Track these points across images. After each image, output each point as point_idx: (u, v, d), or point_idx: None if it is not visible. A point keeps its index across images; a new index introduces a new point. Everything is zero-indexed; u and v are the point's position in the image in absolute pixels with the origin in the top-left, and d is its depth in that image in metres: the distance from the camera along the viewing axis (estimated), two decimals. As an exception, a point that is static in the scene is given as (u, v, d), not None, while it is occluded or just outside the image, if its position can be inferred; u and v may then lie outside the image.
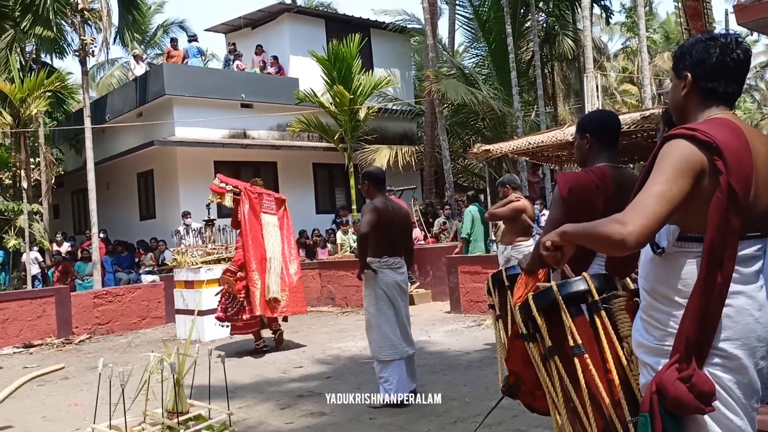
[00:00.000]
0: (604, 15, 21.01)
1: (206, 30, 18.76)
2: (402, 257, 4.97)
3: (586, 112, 12.64)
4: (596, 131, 2.72)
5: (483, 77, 17.84)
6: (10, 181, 15.42)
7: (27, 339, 8.98)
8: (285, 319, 7.65)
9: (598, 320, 1.96)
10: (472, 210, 9.66)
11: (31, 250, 13.27)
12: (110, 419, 4.06)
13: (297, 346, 7.54)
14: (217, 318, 7.39)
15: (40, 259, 13.83)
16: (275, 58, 16.57)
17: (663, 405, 1.58)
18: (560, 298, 2.00)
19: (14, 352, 8.57)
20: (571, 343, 1.95)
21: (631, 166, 9.54)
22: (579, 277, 2.05)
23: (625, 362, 1.91)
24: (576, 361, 1.93)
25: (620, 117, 7.41)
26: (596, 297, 1.98)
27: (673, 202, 1.59)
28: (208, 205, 9.88)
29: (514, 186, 6.32)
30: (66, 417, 5.02)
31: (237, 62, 16.33)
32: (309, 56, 14.94)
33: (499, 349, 3.38)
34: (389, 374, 4.73)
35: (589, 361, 1.92)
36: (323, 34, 16.67)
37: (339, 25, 17.12)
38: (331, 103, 14.62)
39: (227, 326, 7.51)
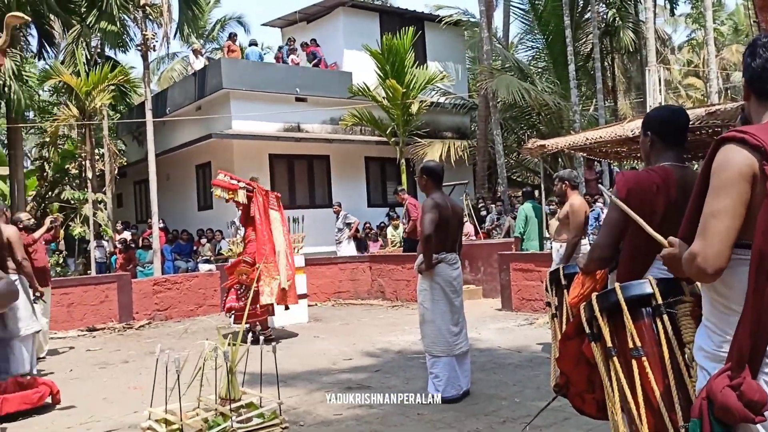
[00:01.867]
0: (668, 6, 20.28)
1: (263, 25, 19.07)
2: (457, 253, 4.93)
3: (648, 107, 12.24)
4: (659, 129, 2.60)
5: (539, 71, 17.50)
6: (77, 172, 16.11)
7: (90, 323, 9.36)
8: (287, 307, 7.84)
9: (660, 324, 1.93)
10: (526, 208, 9.47)
11: (96, 238, 13.85)
12: (166, 404, 4.19)
13: (347, 338, 7.60)
14: (228, 309, 7.67)
15: (106, 246, 14.39)
16: (304, 44, 16.63)
17: (712, 411, 1.55)
18: (623, 299, 1.98)
19: (78, 335, 8.96)
20: (630, 345, 1.95)
21: (695, 164, 9.18)
22: (644, 280, 2.03)
23: (683, 368, 1.87)
24: (634, 363, 1.94)
25: (684, 113, 7.12)
26: (659, 301, 1.94)
27: (736, 215, 1.59)
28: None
29: (573, 184, 6.09)
30: (125, 399, 5.21)
31: (291, 56, 16.52)
32: (363, 50, 14.98)
33: (553, 348, 3.33)
34: (440, 370, 4.71)
35: (646, 364, 1.92)
36: (377, 28, 16.67)
37: (393, 19, 17.09)
38: (383, 97, 14.63)
39: (231, 316, 7.86)
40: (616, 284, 2.09)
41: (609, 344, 2.03)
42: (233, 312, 7.67)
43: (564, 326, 3.04)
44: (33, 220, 8.14)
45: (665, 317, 1.94)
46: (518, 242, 9.60)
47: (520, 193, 14.78)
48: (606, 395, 2.13)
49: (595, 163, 13.81)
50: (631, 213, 2.12)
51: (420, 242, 4.80)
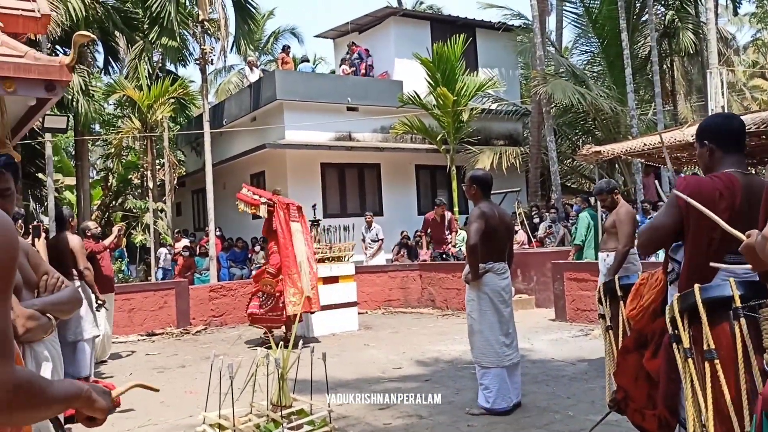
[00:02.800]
0: (731, 5, 19.51)
1: (315, 36, 19.38)
2: (506, 263, 4.87)
3: (710, 111, 11.79)
4: (716, 137, 2.50)
5: (594, 75, 17.13)
6: (139, 181, 16.74)
7: (150, 328, 9.69)
8: (311, 312, 8.22)
9: (737, 328, 1.89)
10: (586, 215, 9.25)
11: (157, 245, 14.39)
12: (219, 409, 4.29)
13: (397, 347, 7.59)
14: (251, 315, 8.20)
15: (168, 254, 14.88)
16: (352, 43, 16.77)
17: (764, 407, 1.51)
18: (700, 301, 1.99)
19: (138, 340, 9.27)
20: (705, 347, 1.96)
21: (762, 169, 8.78)
22: (725, 282, 1.99)
23: (758, 373, 1.82)
24: (707, 365, 1.94)
25: (748, 116, 6.86)
26: (738, 303, 1.91)
27: None
28: (314, 206, 10.23)
29: (619, 191, 5.97)
30: (181, 403, 5.36)
31: (342, 66, 16.72)
32: (414, 59, 15.03)
33: (608, 362, 3.25)
34: (490, 381, 4.65)
35: (719, 367, 1.91)
36: (428, 36, 16.69)
37: (444, 26, 17.07)
38: (434, 105, 14.62)
39: (257, 326, 8.33)
40: (696, 285, 2.06)
41: (686, 345, 2.05)
42: (254, 317, 8.17)
43: (621, 339, 2.96)
44: (99, 228, 8.51)
45: (743, 320, 1.91)
46: (578, 250, 9.38)
47: (574, 201, 14.47)
48: (684, 398, 2.12)
49: (654, 168, 13.37)
50: (703, 209, 2.05)
51: (466, 252, 4.77)
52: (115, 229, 8.12)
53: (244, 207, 8.24)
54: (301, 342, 5.10)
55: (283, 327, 8.07)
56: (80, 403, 1.28)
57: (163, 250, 14.64)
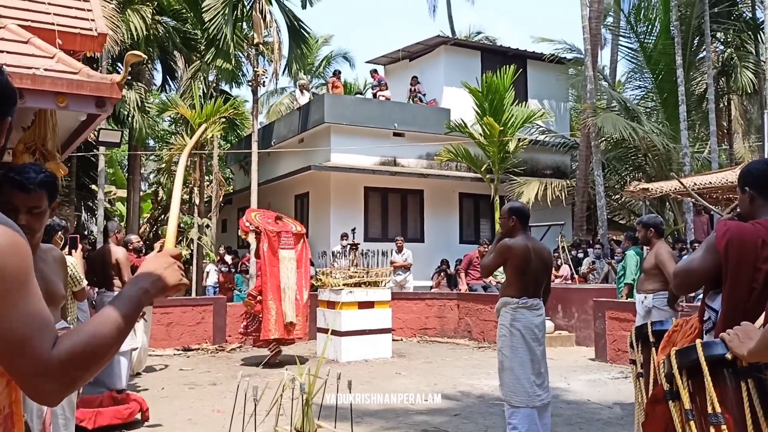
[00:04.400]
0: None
1: (367, 62, 19.65)
2: (541, 299, 4.74)
3: (766, 152, 11.35)
4: (758, 183, 2.38)
5: (647, 111, 16.78)
6: (187, 197, 17.14)
7: (186, 343, 9.81)
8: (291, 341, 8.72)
9: (744, 389, 1.73)
10: (633, 253, 8.96)
11: (202, 261, 14.67)
12: (243, 430, 4.28)
13: (428, 378, 7.46)
14: (240, 333, 8.96)
15: (217, 271, 15.13)
16: (419, 84, 16.94)
17: None
18: (703, 358, 1.82)
19: (174, 354, 9.40)
20: (710, 410, 1.80)
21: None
22: None
23: None
24: (712, 430, 1.77)
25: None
26: (744, 363, 1.77)
27: None
28: (353, 230, 10.26)
29: (660, 230, 5.74)
30: (208, 422, 5.37)
31: (381, 93, 16.89)
32: (463, 87, 15.04)
33: (637, 410, 3.11)
34: (519, 421, 4.49)
35: None
36: (478, 66, 16.71)
37: (495, 57, 17.07)
38: (480, 134, 14.56)
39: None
40: (698, 341, 1.91)
41: (687, 406, 1.89)
42: (243, 335, 8.97)
43: (651, 388, 2.82)
44: (141, 242, 8.72)
45: (751, 382, 1.74)
46: (630, 289, 9.07)
47: (622, 240, 14.08)
48: None
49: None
50: None
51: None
52: (157, 245, 8.34)
53: (242, 233, 8.91)
54: (328, 368, 5.06)
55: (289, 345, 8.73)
56: (144, 303, 1.22)
57: (211, 266, 14.90)
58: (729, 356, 1.78)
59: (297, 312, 8.38)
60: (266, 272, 8.36)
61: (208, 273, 14.73)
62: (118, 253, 6.34)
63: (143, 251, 8.35)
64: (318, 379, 4.57)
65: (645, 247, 7.14)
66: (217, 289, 14.42)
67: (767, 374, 1.75)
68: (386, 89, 17.12)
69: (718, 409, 1.77)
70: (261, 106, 26.65)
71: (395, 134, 15.70)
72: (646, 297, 5.63)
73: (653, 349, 2.86)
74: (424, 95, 16.87)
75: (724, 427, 1.74)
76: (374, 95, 17.09)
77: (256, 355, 9.05)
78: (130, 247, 7.58)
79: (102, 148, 10.70)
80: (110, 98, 4.16)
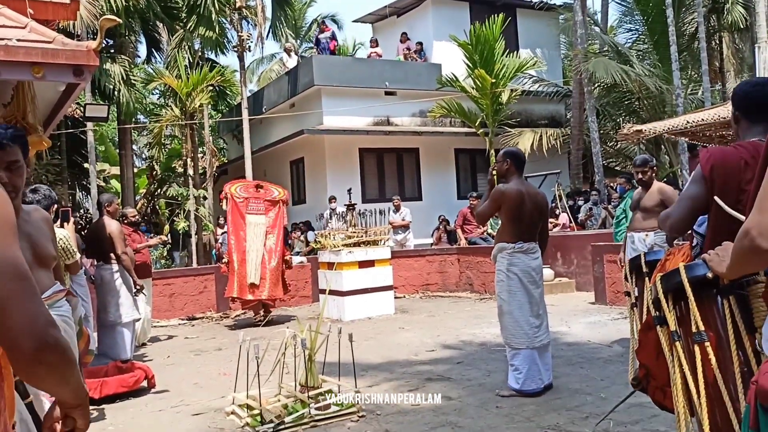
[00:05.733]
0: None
1: (354, 21, 19.30)
2: (536, 243, 4.76)
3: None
4: (742, 104, 2.36)
5: (639, 54, 16.54)
6: (182, 170, 17.06)
7: (190, 312, 9.90)
8: (267, 309, 9.06)
9: (726, 306, 1.75)
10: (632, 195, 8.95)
11: (202, 233, 14.68)
12: (247, 390, 4.34)
13: (431, 330, 7.55)
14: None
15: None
16: (420, 44, 16.64)
17: (759, 397, 1.38)
18: (686, 280, 1.85)
19: (179, 324, 9.49)
20: (693, 329, 1.83)
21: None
22: None
23: (752, 354, 1.69)
24: (696, 348, 1.81)
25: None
26: (726, 281, 1.79)
27: None
28: (349, 190, 10.23)
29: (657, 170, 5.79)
30: (215, 385, 5.45)
31: (372, 50, 16.68)
32: (452, 41, 14.80)
33: (632, 340, 3.14)
34: (520, 363, 4.56)
35: (710, 350, 1.78)
36: (467, 18, 16.40)
37: (483, 8, 16.73)
38: (472, 87, 14.39)
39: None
40: (681, 264, 1.92)
41: (673, 328, 1.92)
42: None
43: (645, 316, 2.85)
44: (138, 216, 8.73)
45: (732, 299, 1.76)
46: None
47: (617, 183, 14.06)
48: (671, 383, 2.00)
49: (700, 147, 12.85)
50: (731, 211, 1.94)
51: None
52: (156, 240, 9.25)
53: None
54: (329, 324, 5.11)
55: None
56: (82, 401, 1.33)
57: (201, 237, 14.89)
58: (710, 275, 1.79)
59: (263, 274, 8.67)
60: (230, 235, 8.85)
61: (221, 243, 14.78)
62: (111, 225, 6.33)
63: (140, 224, 8.36)
64: (320, 335, 4.62)
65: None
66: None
67: (749, 291, 1.76)
68: (376, 46, 16.89)
69: (702, 327, 1.80)
70: (251, 74, 26.36)
71: (387, 93, 15.53)
72: (647, 235, 5.63)
73: (646, 279, 2.88)
74: (423, 53, 16.59)
75: (707, 343, 1.77)
76: (329, 50, 16.91)
77: (250, 316, 9.42)
78: (125, 221, 7.58)
79: (90, 124, 10.58)
80: (88, 66, 4.09)
